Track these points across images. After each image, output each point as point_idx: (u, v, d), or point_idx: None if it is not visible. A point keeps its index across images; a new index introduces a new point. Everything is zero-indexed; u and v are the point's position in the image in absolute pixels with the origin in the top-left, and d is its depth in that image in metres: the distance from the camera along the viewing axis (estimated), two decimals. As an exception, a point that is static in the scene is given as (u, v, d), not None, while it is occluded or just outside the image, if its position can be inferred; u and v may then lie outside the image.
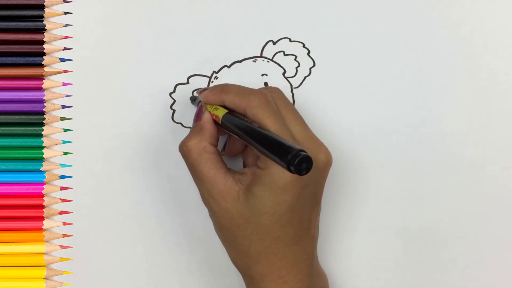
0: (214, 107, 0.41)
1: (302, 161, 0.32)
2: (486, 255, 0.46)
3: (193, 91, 0.46)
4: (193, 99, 0.45)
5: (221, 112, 0.40)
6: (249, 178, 0.39)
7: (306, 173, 0.32)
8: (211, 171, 0.39)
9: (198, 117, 0.41)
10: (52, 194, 0.46)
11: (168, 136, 0.46)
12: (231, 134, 0.39)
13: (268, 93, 0.40)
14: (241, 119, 0.38)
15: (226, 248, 0.41)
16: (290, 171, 0.32)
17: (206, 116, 0.41)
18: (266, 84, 0.46)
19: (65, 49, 0.46)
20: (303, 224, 0.39)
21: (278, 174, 0.37)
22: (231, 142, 0.43)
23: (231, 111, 0.40)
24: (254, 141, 0.36)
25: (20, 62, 0.45)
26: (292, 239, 0.39)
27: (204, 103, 0.42)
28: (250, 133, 0.37)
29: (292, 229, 0.39)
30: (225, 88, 0.41)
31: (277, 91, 0.42)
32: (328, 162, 0.40)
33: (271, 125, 0.38)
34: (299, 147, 0.32)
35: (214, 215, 0.40)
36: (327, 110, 0.46)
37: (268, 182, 0.38)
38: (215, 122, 0.41)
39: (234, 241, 0.39)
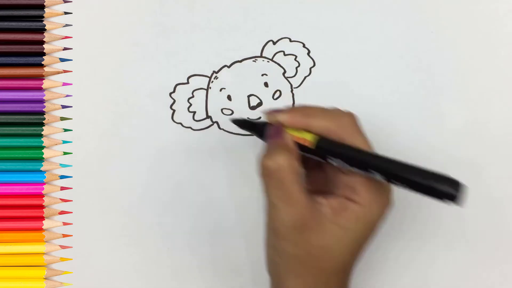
0: (293, 130, 0.38)
1: (460, 188, 0.30)
2: (486, 255, 0.46)
3: (233, 120, 0.42)
4: (240, 123, 0.42)
5: (310, 136, 0.37)
6: (332, 208, 0.36)
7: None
8: (301, 194, 0.36)
9: (277, 135, 0.38)
10: (52, 194, 0.46)
11: (168, 136, 0.46)
12: (327, 161, 0.36)
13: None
14: (348, 145, 0.36)
15: (271, 258, 0.38)
16: (450, 199, 0.30)
17: (289, 136, 0.38)
18: (266, 84, 0.46)
19: (65, 49, 0.46)
20: (359, 255, 0.38)
21: (372, 210, 0.36)
22: (313, 174, 0.40)
23: (322, 136, 0.37)
24: (389, 169, 0.34)
25: (20, 62, 0.46)
26: (348, 269, 0.38)
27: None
28: (376, 161, 0.34)
29: (354, 260, 0.37)
30: (309, 111, 0.38)
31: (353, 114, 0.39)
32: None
33: (365, 142, 0.37)
34: (447, 175, 0.31)
35: (285, 243, 0.36)
36: (327, 110, 0.46)
37: (360, 217, 0.36)
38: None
39: (288, 263, 0.36)
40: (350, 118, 0.38)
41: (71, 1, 0.46)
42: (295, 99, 0.46)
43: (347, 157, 0.36)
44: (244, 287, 0.46)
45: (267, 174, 0.36)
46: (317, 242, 0.36)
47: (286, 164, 0.36)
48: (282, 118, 0.38)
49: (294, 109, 0.39)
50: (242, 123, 0.42)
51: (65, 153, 0.46)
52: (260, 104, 0.46)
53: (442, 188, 0.30)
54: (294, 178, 0.36)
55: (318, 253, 0.36)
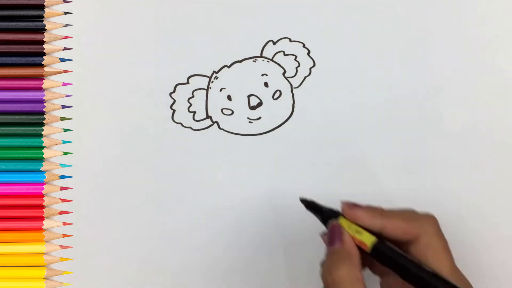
0: (355, 229, 0.37)
1: None
2: (486, 254, 0.46)
3: (301, 198, 0.40)
4: (307, 203, 0.40)
5: (368, 239, 0.36)
6: None
7: None
8: None
9: (337, 238, 0.37)
10: (52, 194, 0.46)
11: (168, 136, 0.46)
12: (383, 265, 0.36)
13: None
14: (404, 256, 0.35)
15: None
16: None
17: (349, 240, 0.36)
18: (266, 84, 0.46)
19: (65, 49, 0.46)
20: None
21: None
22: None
23: (381, 239, 0.36)
24: None
25: (20, 62, 0.46)
26: None
27: (340, 220, 0.38)
28: (425, 281, 0.33)
29: None
30: (386, 212, 0.37)
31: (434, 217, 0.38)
32: None
33: (446, 259, 0.35)
34: None
35: None
36: (327, 110, 0.46)
37: None
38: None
39: None
40: (433, 222, 0.37)
41: (71, 1, 0.46)
42: (295, 99, 0.46)
43: (397, 269, 0.35)
44: (244, 286, 0.46)
45: (328, 286, 0.35)
46: None
47: (347, 277, 0.35)
48: (360, 214, 0.37)
49: (370, 208, 0.38)
50: (309, 204, 0.40)
51: (65, 153, 0.46)
52: (260, 104, 0.46)
53: None
54: None
55: None
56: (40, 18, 0.46)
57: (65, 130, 0.46)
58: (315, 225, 0.46)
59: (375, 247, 0.36)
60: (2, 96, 0.46)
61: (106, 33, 0.46)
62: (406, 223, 0.36)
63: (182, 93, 0.46)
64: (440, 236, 0.37)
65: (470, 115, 0.46)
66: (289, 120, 0.46)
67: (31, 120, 0.46)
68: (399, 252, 0.35)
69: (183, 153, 0.46)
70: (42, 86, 0.46)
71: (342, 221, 0.37)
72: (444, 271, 0.35)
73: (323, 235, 0.39)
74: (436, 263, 0.35)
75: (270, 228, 0.46)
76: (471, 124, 0.46)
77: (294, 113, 0.46)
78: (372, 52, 0.46)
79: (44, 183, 0.46)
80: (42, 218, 0.46)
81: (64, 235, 0.46)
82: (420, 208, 0.46)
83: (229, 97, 0.46)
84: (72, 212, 0.46)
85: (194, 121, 0.46)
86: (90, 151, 0.46)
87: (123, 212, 0.46)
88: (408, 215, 0.37)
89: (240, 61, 0.46)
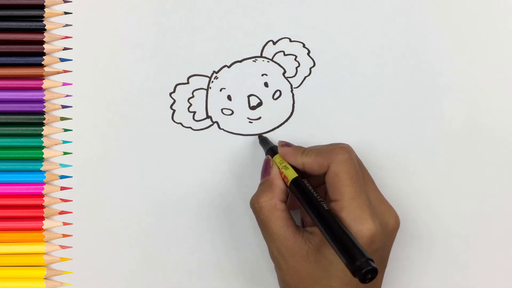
0: (283, 165, 0.41)
1: (368, 272, 0.31)
2: (486, 255, 0.46)
3: (260, 134, 0.46)
4: (261, 139, 0.45)
5: (290, 174, 0.40)
6: (318, 238, 0.38)
7: (369, 282, 0.31)
8: (281, 229, 0.39)
9: (266, 171, 0.42)
10: (52, 194, 0.46)
11: (168, 136, 0.46)
12: (297, 199, 0.39)
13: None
14: (311, 192, 0.38)
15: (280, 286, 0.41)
16: (354, 275, 0.31)
17: (275, 172, 0.41)
18: (266, 84, 0.46)
19: (65, 49, 0.46)
20: (369, 285, 0.38)
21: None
22: (292, 198, 0.41)
23: (300, 176, 0.39)
24: (322, 227, 0.35)
25: (20, 62, 0.46)
26: None
27: (273, 157, 0.42)
28: (320, 215, 0.36)
29: None
30: (306, 150, 0.41)
31: (352, 149, 0.40)
32: (397, 226, 0.40)
33: (351, 186, 0.37)
34: (368, 255, 0.31)
35: (282, 273, 0.39)
36: (327, 110, 0.46)
37: None
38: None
39: None
40: (344, 150, 0.39)
41: (71, 1, 0.46)
42: (295, 99, 0.46)
43: (301, 202, 0.38)
44: (244, 287, 0.46)
45: (254, 214, 0.40)
46: (305, 271, 0.38)
47: (265, 204, 0.39)
48: (284, 150, 0.42)
49: (297, 147, 0.42)
50: (262, 139, 0.45)
51: (65, 153, 0.46)
52: (260, 104, 0.46)
53: (356, 267, 0.32)
54: (276, 215, 0.39)
55: (308, 282, 0.38)
56: (40, 18, 0.46)
57: (65, 130, 0.46)
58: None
59: (292, 181, 0.39)
60: (2, 96, 0.46)
61: (106, 33, 0.46)
62: (319, 157, 0.39)
63: (182, 93, 0.46)
64: (348, 163, 0.38)
65: (471, 114, 0.46)
66: (289, 120, 0.46)
67: (31, 120, 0.46)
68: (309, 189, 0.38)
69: (183, 153, 0.46)
70: (42, 86, 0.46)
71: (277, 157, 0.42)
72: (344, 198, 0.37)
73: None
74: (340, 189, 0.38)
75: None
76: (471, 123, 0.46)
77: (294, 113, 0.46)
78: (372, 52, 0.46)
79: (44, 183, 0.46)
80: (42, 218, 0.46)
81: (64, 235, 0.46)
82: (418, 208, 0.46)
83: (229, 97, 0.46)
84: (72, 212, 0.46)
85: (194, 121, 0.46)
86: (90, 151, 0.46)
87: (123, 212, 0.46)
88: (322, 148, 0.40)
89: (240, 61, 0.46)
